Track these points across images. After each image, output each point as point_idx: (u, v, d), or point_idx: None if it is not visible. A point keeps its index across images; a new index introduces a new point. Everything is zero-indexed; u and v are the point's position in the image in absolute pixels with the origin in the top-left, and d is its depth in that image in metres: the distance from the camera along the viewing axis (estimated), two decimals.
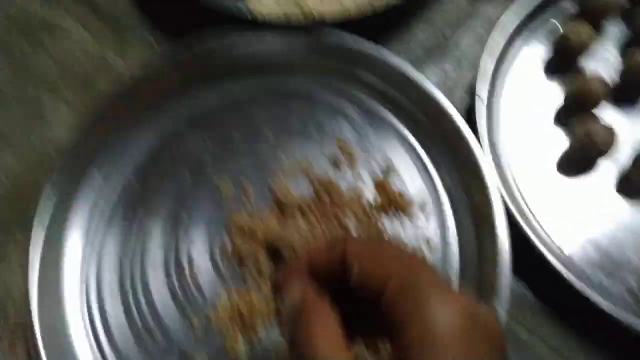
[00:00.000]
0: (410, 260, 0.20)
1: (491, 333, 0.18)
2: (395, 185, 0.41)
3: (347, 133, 0.44)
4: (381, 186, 0.41)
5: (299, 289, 0.21)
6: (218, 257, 0.39)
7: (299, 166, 0.42)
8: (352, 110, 0.44)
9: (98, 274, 0.39)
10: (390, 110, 0.44)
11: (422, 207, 0.41)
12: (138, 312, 0.37)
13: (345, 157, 0.43)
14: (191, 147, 0.43)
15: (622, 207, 0.42)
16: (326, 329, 0.19)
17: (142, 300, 0.38)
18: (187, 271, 0.39)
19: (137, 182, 0.42)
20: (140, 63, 0.48)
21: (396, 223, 0.40)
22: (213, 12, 0.45)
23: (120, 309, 0.37)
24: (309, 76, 0.45)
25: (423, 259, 0.29)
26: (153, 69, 0.43)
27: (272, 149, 0.43)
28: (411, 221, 0.40)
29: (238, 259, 0.39)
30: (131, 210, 0.41)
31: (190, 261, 0.39)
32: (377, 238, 0.39)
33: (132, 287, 0.38)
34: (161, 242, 0.40)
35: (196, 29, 0.45)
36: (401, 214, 0.40)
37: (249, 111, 0.44)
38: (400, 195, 0.40)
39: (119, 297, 0.38)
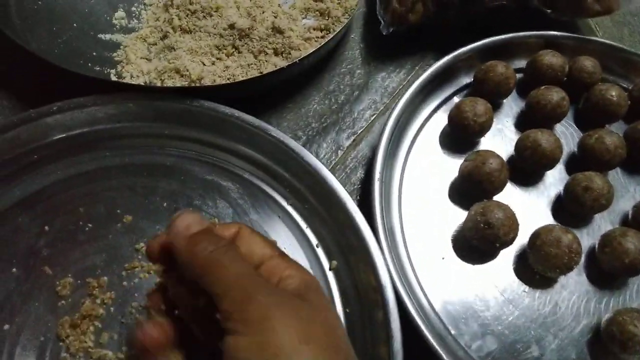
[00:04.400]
0: None
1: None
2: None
3: (224, 211, 0.38)
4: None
5: None
6: None
7: None
8: (230, 186, 0.39)
9: None
10: (273, 186, 0.39)
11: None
12: None
13: None
14: (22, 236, 0.35)
15: (521, 293, 0.39)
16: None
17: None
18: None
19: None
20: None
21: None
22: (82, 80, 0.39)
23: None
24: (178, 148, 0.40)
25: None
26: None
27: (128, 235, 0.36)
28: None
29: None
30: None
31: None
32: None
33: None
34: None
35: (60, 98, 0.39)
36: None
37: (100, 190, 0.38)
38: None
39: None
